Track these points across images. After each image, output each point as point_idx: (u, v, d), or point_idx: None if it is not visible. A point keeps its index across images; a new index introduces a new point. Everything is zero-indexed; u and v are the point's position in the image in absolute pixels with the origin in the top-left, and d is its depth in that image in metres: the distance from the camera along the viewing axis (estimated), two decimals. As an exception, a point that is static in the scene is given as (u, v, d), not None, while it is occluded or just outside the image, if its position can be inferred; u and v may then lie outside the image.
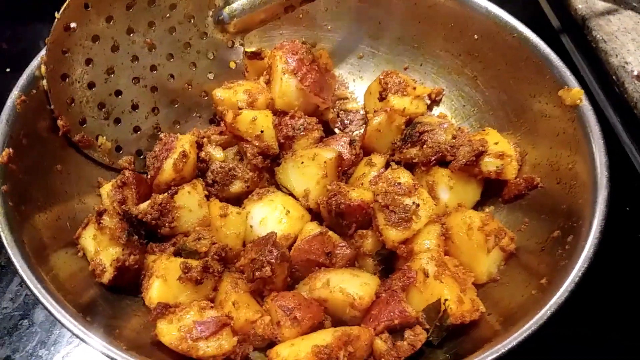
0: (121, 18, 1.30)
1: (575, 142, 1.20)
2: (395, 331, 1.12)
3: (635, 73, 1.80)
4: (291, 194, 1.35)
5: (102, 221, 1.14)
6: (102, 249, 1.14)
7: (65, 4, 1.20)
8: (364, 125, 1.55)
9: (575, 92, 1.22)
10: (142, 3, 1.32)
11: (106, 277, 1.13)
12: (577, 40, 2.00)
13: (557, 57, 1.29)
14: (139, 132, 1.41)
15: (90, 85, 1.30)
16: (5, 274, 1.37)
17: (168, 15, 1.36)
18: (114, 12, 1.28)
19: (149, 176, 1.35)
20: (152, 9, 1.34)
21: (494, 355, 0.89)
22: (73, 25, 1.22)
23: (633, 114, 1.76)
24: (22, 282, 0.98)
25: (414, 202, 1.22)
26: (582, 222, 1.06)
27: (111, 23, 1.29)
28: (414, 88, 1.54)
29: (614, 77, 1.86)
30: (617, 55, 1.87)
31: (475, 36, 1.46)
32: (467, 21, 1.46)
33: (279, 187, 1.38)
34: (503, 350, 0.89)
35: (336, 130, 1.61)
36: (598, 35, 1.94)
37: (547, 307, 0.93)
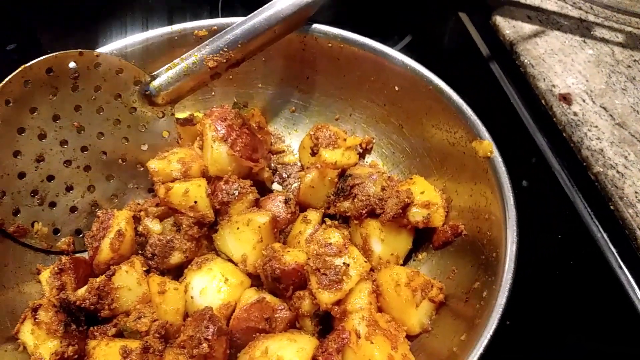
0: (45, 107, 1.32)
1: (489, 191, 1.26)
2: (333, 394, 1.16)
3: (559, 92, 1.87)
4: (230, 260, 1.39)
5: (37, 316, 1.16)
6: (40, 343, 1.16)
7: (-16, 104, 1.22)
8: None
9: (486, 144, 1.28)
10: (65, 90, 1.34)
11: (46, 371, 1.16)
12: (506, 67, 2.07)
13: (470, 108, 1.35)
14: (75, 212, 1.43)
15: (21, 176, 1.33)
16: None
17: (94, 97, 1.39)
18: (36, 102, 1.31)
19: (89, 256, 1.38)
20: (77, 94, 1.36)
21: None
22: (-5, 122, 1.25)
23: (562, 138, 1.83)
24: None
25: (344, 262, 1.27)
26: (495, 278, 1.11)
27: (35, 113, 1.31)
28: (345, 139, 1.59)
29: (542, 101, 1.93)
30: (544, 79, 1.94)
31: (396, 88, 1.51)
32: (387, 73, 1.51)
33: (218, 253, 1.41)
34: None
35: (274, 185, 1.65)
36: (526, 60, 2.02)
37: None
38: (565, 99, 1.87)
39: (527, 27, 2.12)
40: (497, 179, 1.24)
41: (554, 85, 1.91)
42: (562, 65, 1.98)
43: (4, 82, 1.24)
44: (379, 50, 1.51)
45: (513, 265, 1.09)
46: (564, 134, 1.82)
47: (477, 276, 1.21)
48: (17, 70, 1.25)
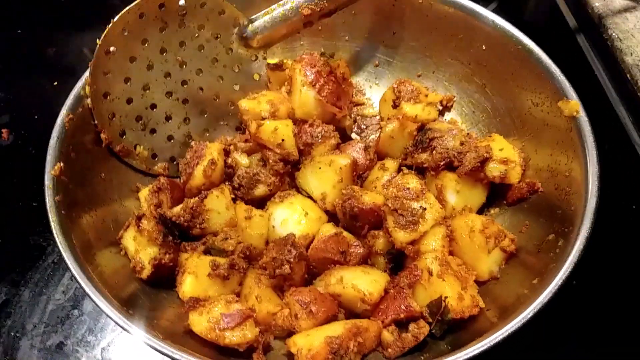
0: (155, 40, 1.44)
1: (572, 150, 1.28)
2: (402, 324, 1.23)
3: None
4: (310, 197, 1.47)
5: (141, 224, 1.29)
6: (141, 249, 1.29)
7: (105, 31, 1.34)
8: (379, 130, 1.65)
9: (573, 104, 1.30)
10: (173, 25, 1.45)
11: (145, 273, 1.28)
12: (593, 40, 2.04)
13: (558, 68, 1.36)
14: (172, 141, 1.55)
15: (129, 101, 1.45)
16: (58, 269, 1.54)
17: (197, 34, 1.50)
18: (148, 35, 1.42)
19: (181, 181, 1.50)
20: (183, 30, 1.47)
21: (479, 350, 1.00)
22: (112, 49, 1.36)
23: (646, 113, 1.81)
24: (73, 278, 1.13)
25: (421, 206, 1.32)
26: (572, 228, 1.15)
27: (146, 45, 1.43)
28: (426, 95, 1.64)
29: (628, 75, 1.90)
30: (632, 54, 1.91)
31: (484, 47, 1.54)
32: (475, 32, 1.54)
33: (299, 190, 1.50)
34: (488, 345, 1.00)
35: (353, 135, 1.72)
36: (614, 34, 1.98)
37: (531, 307, 1.03)
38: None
39: (617, 2, 2.06)
40: (581, 138, 1.26)
41: (641, 61, 1.88)
42: (651, 42, 1.93)
43: (122, 12, 1.34)
44: (469, 9, 1.53)
45: (593, 216, 1.12)
46: (648, 109, 1.79)
47: (551, 229, 1.24)
48: (134, 3, 1.36)
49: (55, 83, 1.95)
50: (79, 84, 1.38)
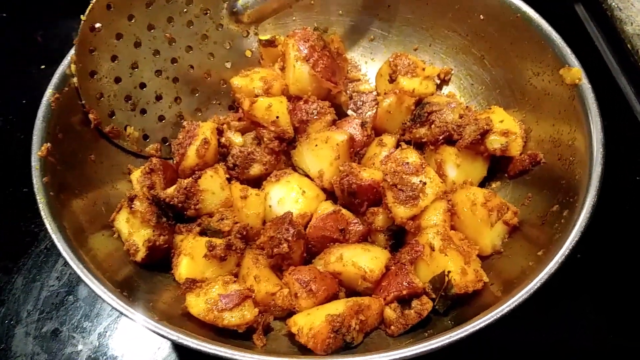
0: (142, 16, 1.38)
1: (575, 119, 1.24)
2: (404, 301, 1.20)
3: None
4: (307, 175, 1.44)
5: (133, 206, 1.25)
6: (134, 231, 1.26)
7: (89, 6, 1.29)
8: (376, 106, 1.61)
9: (574, 71, 1.26)
10: (160, 1, 1.40)
11: (139, 256, 1.25)
12: (592, 10, 2.01)
13: (559, 36, 1.32)
14: (163, 121, 1.51)
15: (117, 80, 1.40)
16: (51, 255, 1.50)
17: (185, 10, 1.45)
18: (134, 10, 1.37)
19: (174, 162, 1.46)
20: (170, 5, 1.42)
21: (484, 323, 0.97)
22: (98, 25, 1.32)
23: (646, 83, 1.78)
24: (65, 262, 1.09)
25: (421, 181, 1.29)
26: (577, 197, 1.12)
27: (133, 21, 1.38)
28: (423, 69, 1.60)
29: (628, 45, 1.86)
30: (632, 23, 1.87)
31: (481, 16, 1.49)
32: (473, 2, 1.49)
33: (295, 168, 1.46)
34: (494, 318, 0.98)
35: (349, 112, 1.68)
36: (613, 3, 1.94)
37: (538, 278, 1.00)
38: (653, 43, 1.80)
39: (617, -30, 2.02)
40: (584, 105, 1.22)
41: (641, 30, 1.84)
42: (651, 10, 1.89)
43: (107, -13, 1.30)
44: (465, -23, 1.49)
45: (598, 184, 1.09)
46: (649, 79, 1.76)
47: (555, 200, 1.21)
48: (119, -23, 1.31)
49: (43, 67, 1.90)
50: (65, 62, 1.33)
